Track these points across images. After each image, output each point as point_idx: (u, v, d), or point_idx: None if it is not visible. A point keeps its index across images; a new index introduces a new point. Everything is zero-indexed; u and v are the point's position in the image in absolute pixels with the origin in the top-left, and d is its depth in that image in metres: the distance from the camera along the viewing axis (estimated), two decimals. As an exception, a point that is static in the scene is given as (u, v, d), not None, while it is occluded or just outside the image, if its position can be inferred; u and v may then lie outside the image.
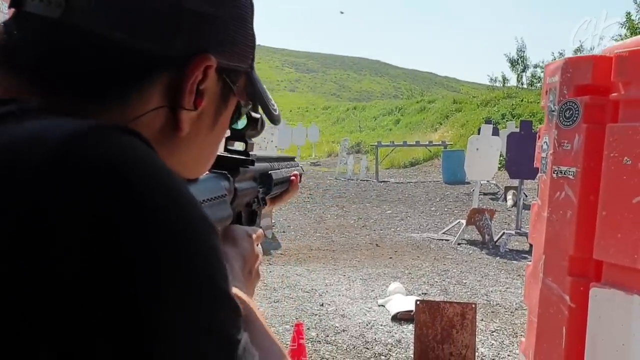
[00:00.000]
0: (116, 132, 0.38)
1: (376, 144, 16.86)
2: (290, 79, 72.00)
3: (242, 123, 0.65)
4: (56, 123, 0.37)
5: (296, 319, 4.08)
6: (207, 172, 0.61)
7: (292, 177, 0.92)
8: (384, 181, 14.99)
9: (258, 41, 0.56)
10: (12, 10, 0.45)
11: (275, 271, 5.75)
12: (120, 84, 0.45)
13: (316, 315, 4.41)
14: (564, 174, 1.98)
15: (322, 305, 4.66)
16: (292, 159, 0.98)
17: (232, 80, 0.53)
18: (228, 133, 0.66)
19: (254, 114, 0.65)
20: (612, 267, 1.82)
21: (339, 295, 4.97)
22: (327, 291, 5.07)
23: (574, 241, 1.95)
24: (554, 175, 2.02)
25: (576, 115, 1.93)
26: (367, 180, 15.07)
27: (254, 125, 0.66)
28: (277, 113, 0.62)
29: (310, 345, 3.70)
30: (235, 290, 0.60)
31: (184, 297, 0.36)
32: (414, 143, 17.12)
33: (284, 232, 7.98)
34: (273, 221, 7.88)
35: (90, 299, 0.33)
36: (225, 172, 0.67)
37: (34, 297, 0.33)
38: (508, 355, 3.69)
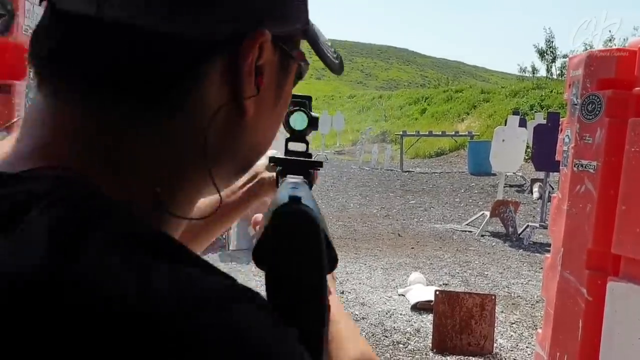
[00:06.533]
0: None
1: (401, 133, 16.74)
2: (317, 67, 71.45)
3: (302, 124, 0.62)
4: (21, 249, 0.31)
5: (317, 305, 4.14)
6: (289, 180, 0.57)
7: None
8: (408, 171, 14.93)
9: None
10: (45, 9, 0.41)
11: (297, 258, 5.81)
12: (175, 81, 0.40)
13: (336, 302, 4.47)
14: (585, 167, 1.98)
15: (342, 293, 4.71)
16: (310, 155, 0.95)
17: (290, 47, 0.47)
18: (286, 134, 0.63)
19: (313, 114, 0.61)
20: (630, 262, 1.82)
21: (360, 283, 5.01)
22: (347, 279, 5.12)
23: (592, 235, 1.95)
24: (575, 168, 2.02)
25: (598, 109, 1.93)
26: (391, 170, 15.03)
27: (315, 125, 0.62)
28: (337, 61, 0.55)
29: (329, 331, 3.76)
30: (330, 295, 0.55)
31: None
32: (440, 133, 16.96)
33: (307, 219, 8.04)
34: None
35: None
36: (303, 177, 0.62)
37: None
38: (526, 347, 3.69)
